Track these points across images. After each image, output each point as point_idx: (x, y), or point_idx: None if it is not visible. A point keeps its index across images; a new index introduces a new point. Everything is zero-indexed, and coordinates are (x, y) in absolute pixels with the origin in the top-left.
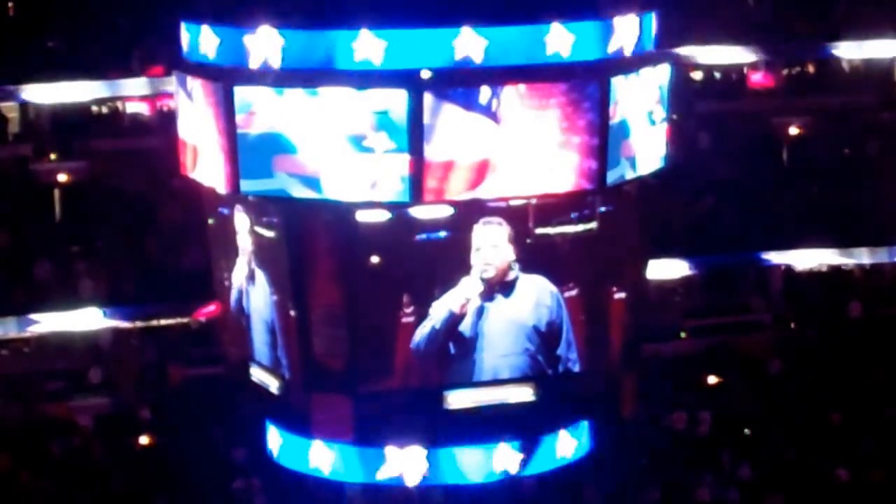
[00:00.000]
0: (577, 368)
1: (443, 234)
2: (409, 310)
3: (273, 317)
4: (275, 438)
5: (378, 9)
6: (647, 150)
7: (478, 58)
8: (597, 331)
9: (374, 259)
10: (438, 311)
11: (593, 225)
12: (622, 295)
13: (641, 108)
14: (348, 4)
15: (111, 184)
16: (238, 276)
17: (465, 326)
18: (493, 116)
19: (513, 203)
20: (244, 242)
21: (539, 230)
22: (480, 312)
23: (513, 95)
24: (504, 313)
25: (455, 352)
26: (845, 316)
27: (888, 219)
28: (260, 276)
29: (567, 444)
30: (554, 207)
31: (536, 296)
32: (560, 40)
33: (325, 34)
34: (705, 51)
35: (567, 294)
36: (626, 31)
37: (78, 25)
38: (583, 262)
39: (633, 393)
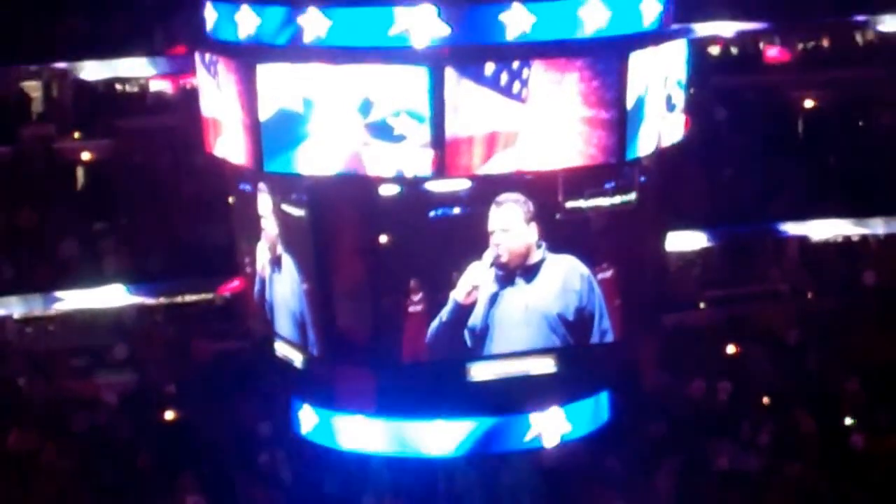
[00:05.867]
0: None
1: (466, 210)
2: (430, 286)
3: (302, 304)
4: (300, 411)
5: None
6: (666, 123)
7: (509, 35)
8: (627, 310)
9: (398, 234)
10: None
11: (629, 197)
12: (648, 268)
13: (660, 82)
14: None
15: (135, 161)
16: (260, 263)
17: (476, 318)
18: (515, 93)
19: (540, 175)
20: (269, 225)
21: (570, 204)
22: (493, 301)
23: (535, 71)
24: (523, 301)
25: (472, 345)
26: (861, 285)
27: None
28: (287, 261)
29: (589, 414)
30: (585, 179)
31: (563, 280)
32: (584, 16)
33: (354, 11)
34: (722, 25)
35: (601, 276)
36: (646, 7)
37: (101, 6)
38: (616, 238)
39: (653, 363)
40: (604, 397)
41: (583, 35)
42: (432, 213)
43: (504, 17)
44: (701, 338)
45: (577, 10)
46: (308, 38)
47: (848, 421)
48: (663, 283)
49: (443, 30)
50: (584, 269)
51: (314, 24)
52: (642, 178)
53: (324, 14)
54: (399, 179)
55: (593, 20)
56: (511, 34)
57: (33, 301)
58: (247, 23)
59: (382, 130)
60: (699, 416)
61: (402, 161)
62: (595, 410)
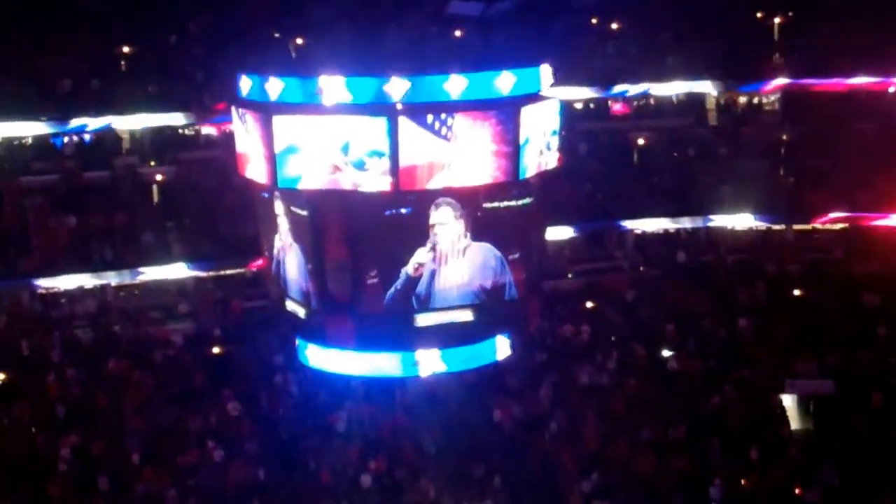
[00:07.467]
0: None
1: (414, 211)
2: (388, 264)
3: (305, 276)
4: (303, 347)
5: (345, 62)
6: (546, 157)
7: (395, 97)
8: (524, 278)
9: (367, 229)
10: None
11: (525, 202)
12: (536, 250)
13: (542, 127)
14: (330, 59)
15: (192, 181)
16: (276, 249)
17: (421, 287)
18: (443, 135)
19: (465, 188)
20: (282, 223)
21: (486, 206)
22: (433, 275)
23: (457, 120)
24: (454, 275)
25: (417, 308)
26: (675, 261)
27: (701, 198)
28: (294, 247)
29: (495, 347)
30: (494, 190)
31: (483, 260)
32: (502, 82)
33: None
34: (578, 90)
35: (511, 257)
36: (531, 77)
37: (168, 76)
38: (516, 230)
39: (537, 313)
40: (505, 336)
41: (489, 96)
42: (388, 213)
43: (388, 87)
44: (569, 297)
45: (442, 81)
46: (299, 98)
47: (666, 352)
48: (545, 261)
49: (346, 96)
50: (497, 252)
51: (275, 89)
52: (532, 191)
53: (281, 80)
54: (366, 194)
55: (456, 89)
56: (396, 96)
57: (124, 274)
58: (262, 88)
59: (358, 165)
60: (568, 348)
61: (369, 183)
62: (499, 345)
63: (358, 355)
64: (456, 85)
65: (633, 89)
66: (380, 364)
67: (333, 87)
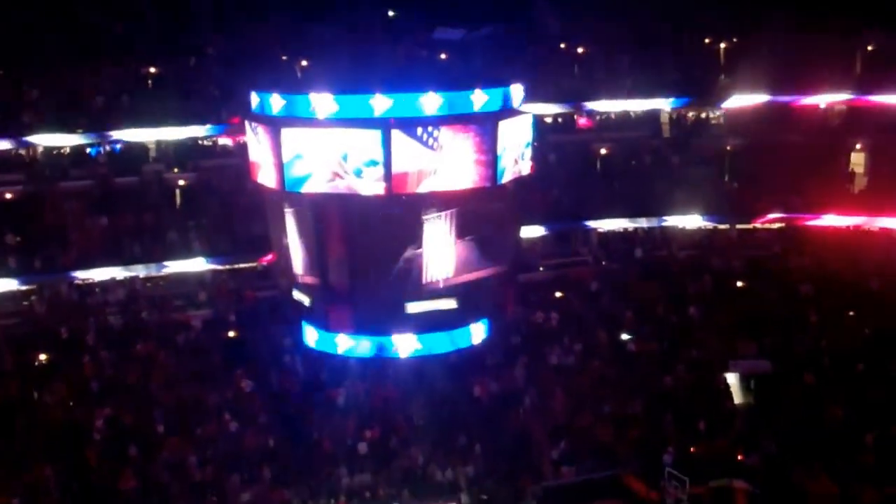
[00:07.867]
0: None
1: (404, 211)
2: (382, 259)
3: (308, 269)
4: (308, 331)
5: (338, 81)
6: (520, 165)
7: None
8: (501, 271)
9: (363, 227)
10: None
11: (502, 204)
12: (509, 246)
13: (517, 139)
14: (324, 79)
15: (211, 186)
16: (284, 245)
17: (412, 279)
18: (430, 145)
19: (450, 192)
20: (289, 222)
21: (470, 207)
22: (421, 269)
23: (442, 132)
24: (441, 268)
25: (407, 297)
26: (633, 256)
27: (656, 201)
28: (300, 243)
29: (474, 333)
30: (475, 194)
31: (465, 254)
32: (474, 100)
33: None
34: (548, 106)
35: (490, 252)
36: (502, 95)
37: (189, 93)
38: (495, 228)
39: (513, 302)
40: (484, 322)
41: (472, 111)
42: (382, 214)
43: (373, 102)
44: (540, 287)
45: (419, 98)
46: (298, 112)
47: (625, 335)
48: (519, 256)
49: (333, 108)
50: (478, 248)
51: (278, 104)
52: (508, 195)
53: (281, 97)
54: (363, 197)
55: (431, 105)
56: (380, 111)
57: (151, 267)
58: (271, 105)
59: (356, 172)
60: (539, 332)
61: (365, 187)
62: (475, 330)
63: (356, 338)
64: (433, 102)
65: (598, 106)
66: (375, 345)
67: (325, 103)
